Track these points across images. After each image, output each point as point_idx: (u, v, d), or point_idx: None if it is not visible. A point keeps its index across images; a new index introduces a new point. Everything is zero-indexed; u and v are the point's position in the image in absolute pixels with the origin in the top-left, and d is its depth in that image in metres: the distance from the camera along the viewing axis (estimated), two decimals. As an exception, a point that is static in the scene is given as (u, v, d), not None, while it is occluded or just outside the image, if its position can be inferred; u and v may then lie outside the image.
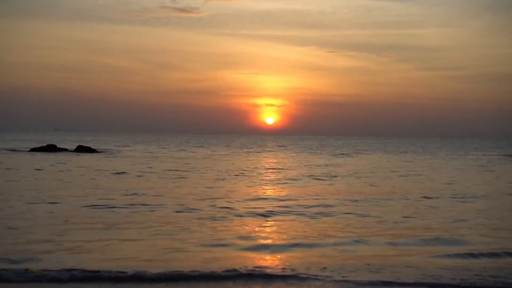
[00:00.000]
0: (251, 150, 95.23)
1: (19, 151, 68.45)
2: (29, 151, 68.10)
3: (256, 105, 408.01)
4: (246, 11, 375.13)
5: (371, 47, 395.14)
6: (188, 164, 50.43)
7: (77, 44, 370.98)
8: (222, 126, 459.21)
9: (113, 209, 20.11)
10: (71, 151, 68.88)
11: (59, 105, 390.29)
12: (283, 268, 11.72)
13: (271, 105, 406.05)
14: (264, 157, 69.90)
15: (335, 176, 38.32)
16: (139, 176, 35.89)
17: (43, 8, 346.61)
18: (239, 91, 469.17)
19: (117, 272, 11.06)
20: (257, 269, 11.49)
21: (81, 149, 70.60)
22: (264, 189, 29.30)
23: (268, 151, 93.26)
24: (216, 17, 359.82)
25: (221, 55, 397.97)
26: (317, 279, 10.99)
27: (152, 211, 19.94)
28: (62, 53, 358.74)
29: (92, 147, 74.67)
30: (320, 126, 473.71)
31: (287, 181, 33.81)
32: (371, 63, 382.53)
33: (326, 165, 51.76)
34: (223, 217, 18.79)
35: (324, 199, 24.40)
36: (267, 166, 50.90)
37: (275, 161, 61.01)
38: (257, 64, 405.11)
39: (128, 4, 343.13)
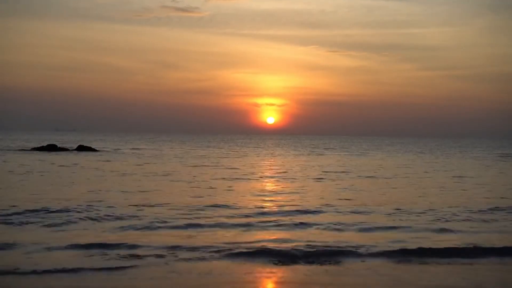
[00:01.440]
0: (275, 151, 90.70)
1: (23, 150, 67.84)
2: (30, 150, 67.64)
3: (256, 105, 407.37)
4: (246, 11, 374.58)
5: (372, 46, 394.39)
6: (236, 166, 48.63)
7: (77, 43, 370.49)
8: (222, 126, 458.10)
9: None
10: (71, 150, 68.22)
11: (60, 104, 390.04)
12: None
13: (271, 104, 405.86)
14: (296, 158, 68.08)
15: (428, 177, 36.66)
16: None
17: (44, 8, 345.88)
18: (239, 91, 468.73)
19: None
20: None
21: (82, 148, 70.04)
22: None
23: (294, 151, 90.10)
24: (216, 16, 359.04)
25: (221, 55, 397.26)
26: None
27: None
28: (63, 53, 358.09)
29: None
30: (321, 126, 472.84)
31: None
32: (372, 62, 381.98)
33: (380, 167, 49.58)
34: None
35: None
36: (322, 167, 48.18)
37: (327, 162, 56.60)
38: (257, 63, 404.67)
39: (128, 4, 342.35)
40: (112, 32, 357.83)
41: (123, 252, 13.10)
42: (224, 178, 34.47)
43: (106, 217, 17.94)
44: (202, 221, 17.58)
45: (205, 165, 47.78)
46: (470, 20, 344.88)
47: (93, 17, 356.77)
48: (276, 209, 20.92)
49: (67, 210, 19.01)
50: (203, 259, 12.67)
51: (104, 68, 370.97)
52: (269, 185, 31.18)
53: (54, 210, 19.04)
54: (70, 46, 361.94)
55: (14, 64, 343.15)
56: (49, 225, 16.53)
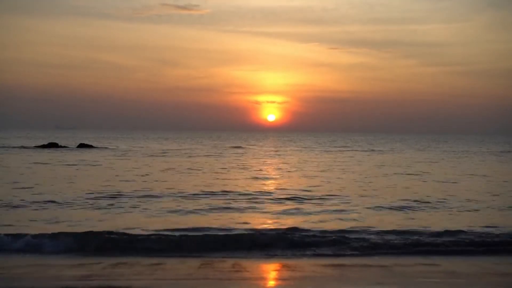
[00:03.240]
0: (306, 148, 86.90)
1: (25, 148, 67.56)
2: (33, 147, 67.42)
3: (257, 102, 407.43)
4: (247, 8, 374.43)
5: (373, 43, 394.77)
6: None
7: (78, 41, 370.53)
8: (222, 123, 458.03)
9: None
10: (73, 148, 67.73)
11: (60, 102, 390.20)
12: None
13: (272, 101, 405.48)
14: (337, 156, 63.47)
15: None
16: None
17: (44, 5, 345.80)
18: (240, 88, 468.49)
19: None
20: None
21: (83, 146, 69.86)
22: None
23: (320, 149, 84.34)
24: (217, 14, 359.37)
25: (222, 52, 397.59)
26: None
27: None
28: (63, 51, 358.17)
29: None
30: (322, 123, 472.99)
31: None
32: (373, 59, 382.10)
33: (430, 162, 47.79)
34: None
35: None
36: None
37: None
38: (258, 61, 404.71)
39: (129, 2, 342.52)
40: (113, 30, 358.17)
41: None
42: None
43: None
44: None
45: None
46: (472, 16, 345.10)
47: (94, 15, 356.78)
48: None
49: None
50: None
51: (104, 66, 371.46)
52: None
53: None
54: (70, 44, 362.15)
55: (15, 61, 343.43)
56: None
